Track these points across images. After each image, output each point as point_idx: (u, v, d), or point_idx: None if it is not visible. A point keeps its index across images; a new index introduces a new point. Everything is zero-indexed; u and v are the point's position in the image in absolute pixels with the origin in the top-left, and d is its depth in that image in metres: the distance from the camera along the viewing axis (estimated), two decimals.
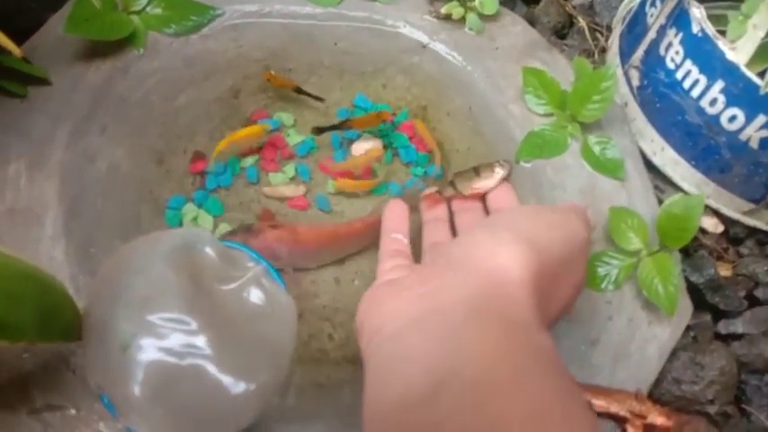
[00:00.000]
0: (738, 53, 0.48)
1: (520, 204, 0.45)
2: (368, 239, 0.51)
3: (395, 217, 0.42)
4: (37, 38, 0.53)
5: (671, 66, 0.53)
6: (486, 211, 0.46)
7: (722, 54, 0.49)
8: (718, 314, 0.53)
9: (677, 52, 0.53)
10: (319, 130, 0.56)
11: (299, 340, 0.41)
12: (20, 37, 0.49)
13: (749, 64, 0.48)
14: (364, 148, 0.57)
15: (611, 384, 0.43)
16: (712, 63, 0.50)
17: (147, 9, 0.55)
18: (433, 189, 0.47)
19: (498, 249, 0.31)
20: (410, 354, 0.28)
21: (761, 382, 0.50)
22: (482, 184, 0.46)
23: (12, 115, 0.48)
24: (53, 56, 0.52)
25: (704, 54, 0.50)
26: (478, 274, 0.31)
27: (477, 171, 0.46)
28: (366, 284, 0.51)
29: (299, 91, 0.58)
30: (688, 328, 0.50)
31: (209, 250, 0.41)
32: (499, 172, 0.46)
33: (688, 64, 0.52)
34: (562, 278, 0.34)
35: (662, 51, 0.54)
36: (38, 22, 0.55)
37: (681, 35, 0.52)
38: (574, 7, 0.70)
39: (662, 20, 0.54)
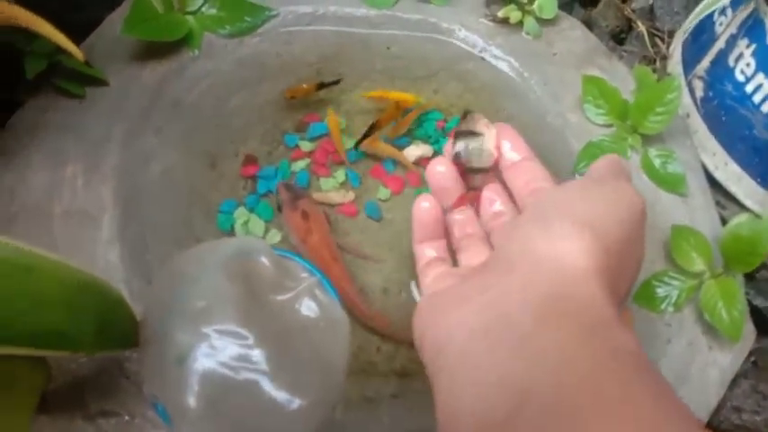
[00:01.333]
0: None
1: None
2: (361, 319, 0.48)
3: (426, 220, 0.38)
4: (93, 38, 0.53)
5: (740, 78, 0.51)
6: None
7: None
8: None
9: (748, 64, 0.50)
10: (356, 144, 0.55)
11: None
12: (76, 36, 0.49)
13: None
14: (415, 154, 0.56)
15: None
16: None
17: (203, 9, 0.55)
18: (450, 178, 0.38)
19: (557, 242, 0.28)
20: (480, 370, 0.25)
21: None
22: (489, 144, 0.38)
23: (70, 116, 0.49)
24: (109, 56, 0.52)
25: None
26: (540, 273, 0.28)
27: (473, 132, 0.39)
28: (412, 297, 0.51)
29: (322, 85, 0.56)
30: (749, 353, 0.48)
31: (264, 259, 0.40)
32: (486, 120, 0.39)
33: (760, 77, 0.49)
34: (627, 255, 0.31)
35: (731, 62, 0.52)
36: (94, 20, 0.55)
37: (754, 46, 0.50)
38: (633, 11, 0.68)
39: (733, 29, 0.52)
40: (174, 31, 0.52)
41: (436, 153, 0.57)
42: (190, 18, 0.54)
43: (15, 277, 0.28)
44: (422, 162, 0.57)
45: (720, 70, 0.53)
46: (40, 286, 0.29)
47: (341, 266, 0.49)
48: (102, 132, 0.48)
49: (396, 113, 0.55)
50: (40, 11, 0.45)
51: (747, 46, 0.50)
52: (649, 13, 0.68)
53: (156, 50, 0.53)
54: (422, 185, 0.56)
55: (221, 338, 0.36)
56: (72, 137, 0.48)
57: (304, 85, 0.55)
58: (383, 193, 0.55)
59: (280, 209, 0.51)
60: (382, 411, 0.44)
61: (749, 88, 0.51)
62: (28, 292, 0.28)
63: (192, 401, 0.35)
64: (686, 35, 0.60)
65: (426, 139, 0.58)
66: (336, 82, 0.57)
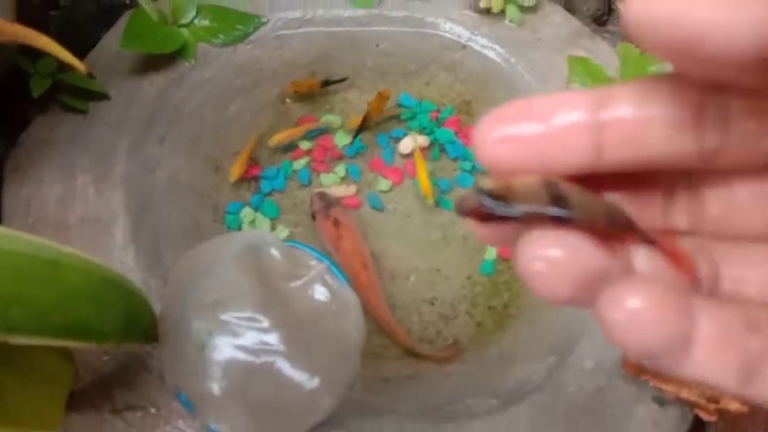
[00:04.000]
0: None
1: None
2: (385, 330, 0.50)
3: None
4: (93, 55, 0.55)
5: None
6: None
7: None
8: None
9: None
10: (354, 137, 0.56)
11: None
12: (76, 55, 0.51)
13: None
14: (410, 146, 0.58)
15: None
16: None
17: (196, 21, 0.57)
18: None
19: None
20: None
21: None
22: None
23: (77, 130, 0.50)
24: (110, 71, 0.54)
25: None
26: None
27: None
28: (423, 280, 0.52)
29: (326, 83, 0.59)
30: None
31: (273, 251, 0.42)
32: None
33: None
34: None
35: None
36: (94, 40, 0.57)
37: None
38: None
39: None
40: (170, 43, 0.54)
41: (432, 143, 0.59)
42: (184, 30, 0.56)
43: (44, 271, 0.29)
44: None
45: None
46: (68, 280, 0.30)
47: (369, 274, 0.50)
48: (109, 144, 0.50)
49: (382, 104, 0.57)
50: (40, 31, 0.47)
51: None
52: None
53: (153, 63, 0.54)
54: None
55: (239, 324, 0.37)
56: (80, 149, 0.49)
57: (308, 80, 0.58)
58: (383, 184, 0.57)
59: (313, 217, 0.53)
60: (400, 390, 0.45)
61: None
62: (56, 285, 0.30)
63: (214, 387, 0.36)
64: None
65: (421, 131, 0.59)
66: (342, 80, 0.59)
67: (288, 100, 0.59)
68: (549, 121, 0.15)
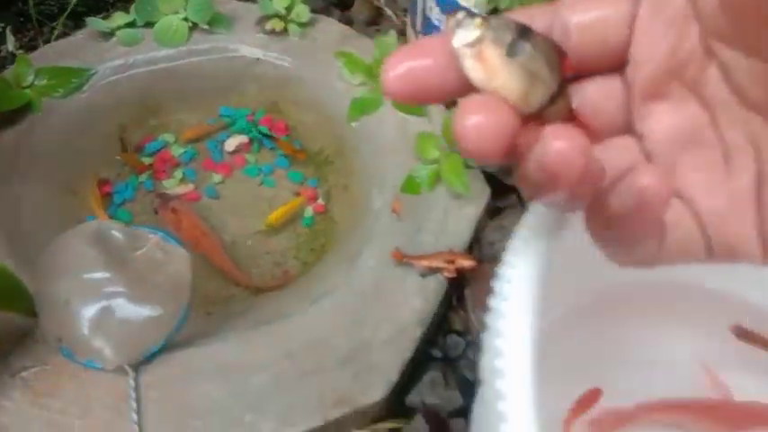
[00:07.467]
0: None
1: None
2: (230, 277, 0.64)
3: None
4: None
5: (437, 24, 0.71)
6: None
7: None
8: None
9: (438, 12, 0.71)
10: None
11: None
12: None
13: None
14: (234, 144, 0.73)
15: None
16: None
17: (36, 82, 0.70)
18: None
19: None
20: None
21: None
22: None
23: None
24: None
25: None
26: None
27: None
28: (258, 241, 0.67)
29: (122, 142, 0.73)
30: (499, 209, 0.67)
31: (115, 232, 0.55)
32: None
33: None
34: None
35: (429, 14, 0.72)
36: None
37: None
38: (379, 0, 0.88)
39: None
40: (17, 101, 0.67)
41: (252, 140, 0.74)
42: (27, 91, 0.69)
43: None
44: (242, 148, 0.74)
45: (428, 26, 0.74)
46: None
47: (208, 239, 0.65)
48: None
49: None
50: None
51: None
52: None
53: (8, 118, 0.67)
54: (246, 165, 0.73)
55: (92, 280, 0.51)
56: None
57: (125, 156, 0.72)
58: (216, 178, 0.71)
59: (156, 212, 0.67)
60: (242, 318, 0.59)
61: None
62: None
63: (82, 328, 0.50)
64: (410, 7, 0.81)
65: (241, 132, 0.75)
66: (122, 140, 0.73)
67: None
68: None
